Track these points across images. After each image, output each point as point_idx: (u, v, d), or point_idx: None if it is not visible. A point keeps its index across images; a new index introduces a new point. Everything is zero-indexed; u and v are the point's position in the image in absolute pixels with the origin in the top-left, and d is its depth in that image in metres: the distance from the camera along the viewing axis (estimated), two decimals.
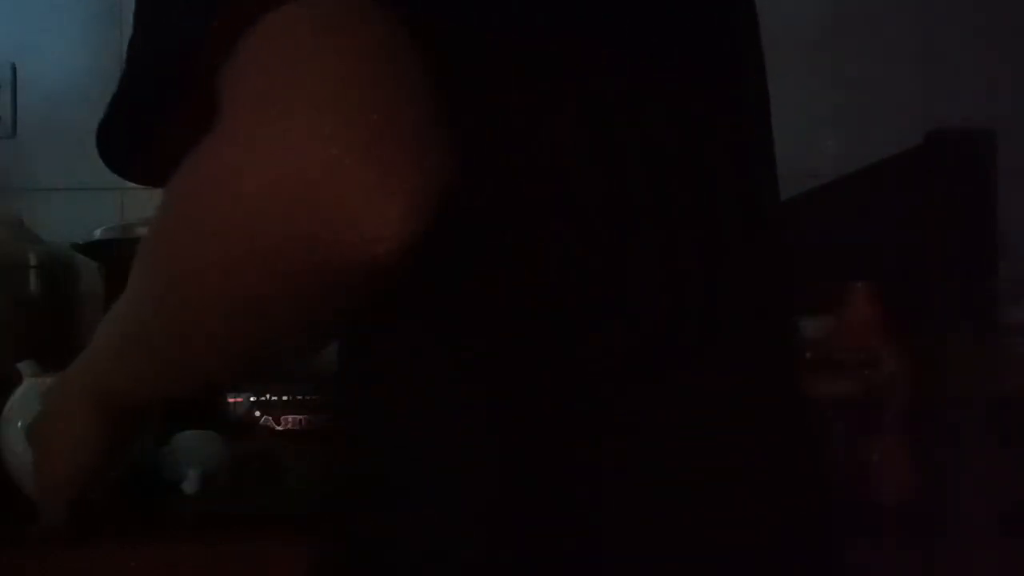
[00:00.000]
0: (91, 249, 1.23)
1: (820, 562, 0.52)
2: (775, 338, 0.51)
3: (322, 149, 0.36)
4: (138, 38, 0.45)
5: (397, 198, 0.36)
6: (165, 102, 0.43)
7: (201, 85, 0.40)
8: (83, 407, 0.58)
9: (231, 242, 0.39)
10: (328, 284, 0.39)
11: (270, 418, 1.06)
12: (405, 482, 0.50)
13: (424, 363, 0.48)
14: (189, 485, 0.99)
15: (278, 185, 0.36)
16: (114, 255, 1.22)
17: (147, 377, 0.52)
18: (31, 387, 0.99)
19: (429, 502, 0.48)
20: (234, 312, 0.41)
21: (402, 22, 0.39)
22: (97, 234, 1.22)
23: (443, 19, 0.40)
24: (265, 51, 0.38)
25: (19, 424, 0.97)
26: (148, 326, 0.47)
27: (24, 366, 1.00)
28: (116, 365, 0.53)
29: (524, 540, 0.46)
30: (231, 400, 1.06)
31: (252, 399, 1.07)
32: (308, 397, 1.06)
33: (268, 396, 1.07)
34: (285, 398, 1.07)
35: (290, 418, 1.07)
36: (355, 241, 0.36)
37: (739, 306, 0.49)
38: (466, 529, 0.47)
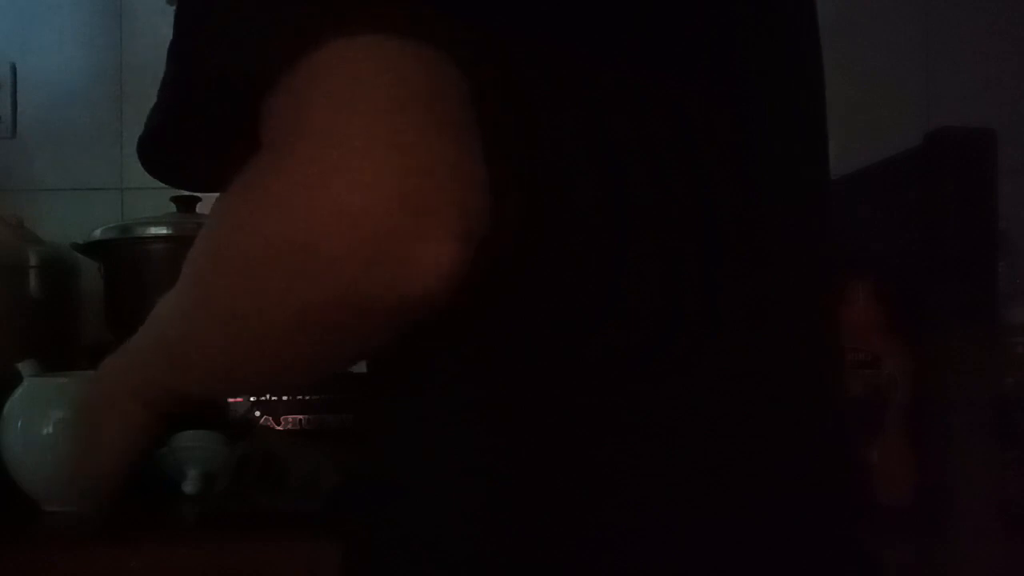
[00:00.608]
0: (91, 249, 1.23)
1: (821, 563, 0.52)
2: (779, 337, 0.51)
3: (375, 191, 0.37)
4: (186, 47, 0.45)
5: (442, 240, 0.38)
6: (209, 116, 0.44)
7: (246, 104, 0.41)
8: (131, 403, 0.59)
9: (277, 272, 0.40)
10: (368, 319, 0.41)
11: (270, 418, 1.06)
12: (405, 482, 0.50)
13: (423, 363, 0.48)
14: (189, 485, 0.99)
15: (332, 219, 0.38)
16: (114, 255, 1.23)
17: (197, 382, 0.54)
18: (31, 387, 0.99)
19: (429, 502, 0.48)
20: (272, 335, 0.43)
21: (449, 50, 0.40)
22: (97, 234, 1.22)
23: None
24: (317, 85, 0.39)
25: (19, 424, 0.97)
26: (197, 336, 0.48)
27: (24, 366, 1.00)
28: (166, 367, 0.54)
29: (524, 539, 0.46)
30: (231, 400, 1.06)
31: (252, 399, 1.07)
32: (308, 397, 1.06)
33: (268, 396, 1.07)
34: (285, 398, 1.07)
35: (290, 418, 1.07)
36: (398, 283, 0.38)
37: (740, 306, 0.49)
38: (466, 529, 0.47)
